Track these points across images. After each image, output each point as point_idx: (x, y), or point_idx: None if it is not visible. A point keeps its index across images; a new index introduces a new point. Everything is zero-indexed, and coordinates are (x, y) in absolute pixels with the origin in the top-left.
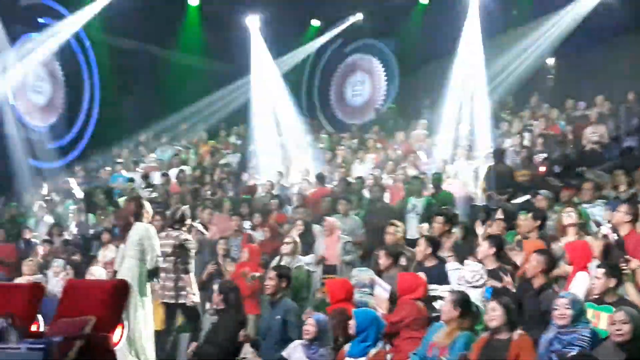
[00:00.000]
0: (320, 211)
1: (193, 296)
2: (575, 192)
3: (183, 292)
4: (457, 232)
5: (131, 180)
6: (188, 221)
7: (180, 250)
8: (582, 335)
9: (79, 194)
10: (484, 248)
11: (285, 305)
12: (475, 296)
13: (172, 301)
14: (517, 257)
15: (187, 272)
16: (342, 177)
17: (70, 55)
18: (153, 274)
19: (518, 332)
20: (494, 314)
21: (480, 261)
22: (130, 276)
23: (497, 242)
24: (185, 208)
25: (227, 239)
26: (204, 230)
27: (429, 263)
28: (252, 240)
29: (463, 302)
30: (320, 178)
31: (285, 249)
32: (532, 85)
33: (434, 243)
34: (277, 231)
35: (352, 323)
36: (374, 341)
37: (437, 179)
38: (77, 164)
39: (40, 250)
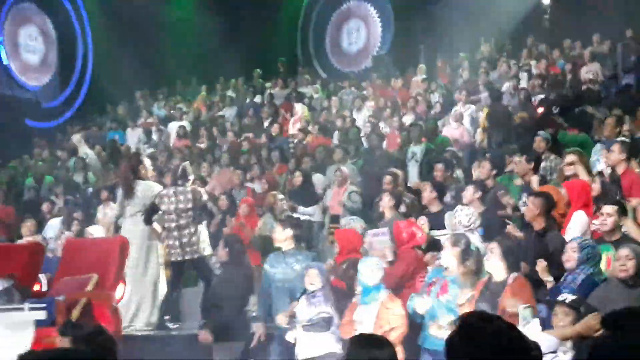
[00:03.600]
0: (319, 161)
1: (203, 250)
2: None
3: (189, 248)
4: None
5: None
6: (191, 177)
7: (193, 205)
8: (575, 279)
9: (83, 151)
10: (469, 192)
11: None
12: (474, 240)
13: (180, 258)
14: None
15: (194, 226)
16: (340, 126)
17: (61, 12)
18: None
19: (513, 275)
20: (491, 255)
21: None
22: (134, 234)
23: (482, 186)
24: (187, 164)
25: (229, 193)
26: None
27: (435, 209)
28: (255, 194)
29: (462, 243)
30: (319, 128)
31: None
32: (528, 26)
33: (439, 188)
34: (275, 183)
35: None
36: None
37: (433, 125)
38: (72, 122)
39: (44, 208)
